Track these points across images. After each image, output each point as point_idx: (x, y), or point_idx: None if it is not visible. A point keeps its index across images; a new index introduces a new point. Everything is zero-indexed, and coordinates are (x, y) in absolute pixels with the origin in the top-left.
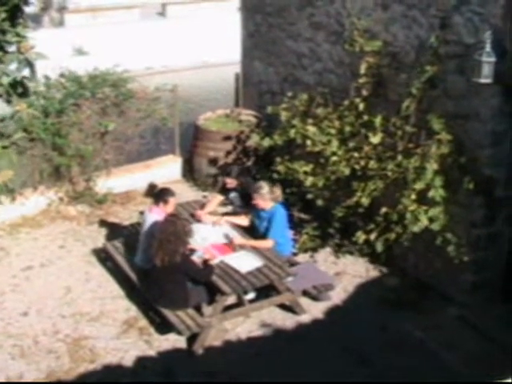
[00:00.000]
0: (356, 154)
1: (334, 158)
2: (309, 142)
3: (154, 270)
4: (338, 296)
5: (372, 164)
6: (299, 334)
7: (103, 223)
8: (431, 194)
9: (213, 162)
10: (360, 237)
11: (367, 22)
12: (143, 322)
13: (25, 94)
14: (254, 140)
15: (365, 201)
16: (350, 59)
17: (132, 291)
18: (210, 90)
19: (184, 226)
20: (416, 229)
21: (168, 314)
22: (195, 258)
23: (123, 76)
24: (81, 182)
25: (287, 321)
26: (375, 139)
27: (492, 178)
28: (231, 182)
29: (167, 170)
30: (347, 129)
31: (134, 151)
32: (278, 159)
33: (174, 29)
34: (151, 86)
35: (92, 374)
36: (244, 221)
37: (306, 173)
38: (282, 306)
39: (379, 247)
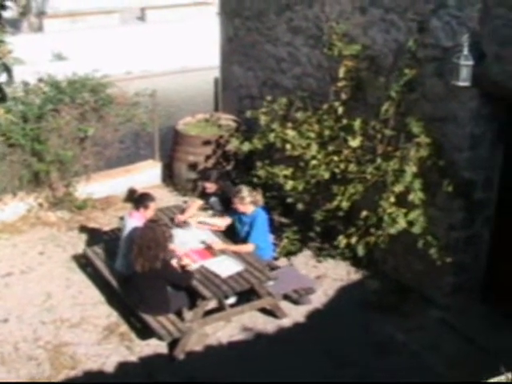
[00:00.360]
0: (335, 158)
1: (314, 162)
2: (288, 146)
3: (134, 276)
4: (318, 299)
5: (351, 167)
6: (280, 338)
7: (83, 229)
8: (410, 196)
9: (192, 166)
10: (341, 241)
11: (346, 25)
12: (124, 327)
13: (3, 99)
14: (233, 144)
15: (345, 204)
16: (329, 63)
17: (113, 297)
18: (190, 95)
19: (163, 231)
20: (393, 231)
21: (149, 319)
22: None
23: (102, 81)
24: (60, 187)
25: (268, 325)
26: (354, 143)
27: (471, 181)
28: (211, 187)
29: (147, 175)
30: (326, 132)
31: (114, 156)
32: (258, 163)
33: (154, 33)
34: (131, 90)
35: (73, 380)
36: (223, 221)
37: (285, 177)
38: (263, 310)
39: (360, 251)
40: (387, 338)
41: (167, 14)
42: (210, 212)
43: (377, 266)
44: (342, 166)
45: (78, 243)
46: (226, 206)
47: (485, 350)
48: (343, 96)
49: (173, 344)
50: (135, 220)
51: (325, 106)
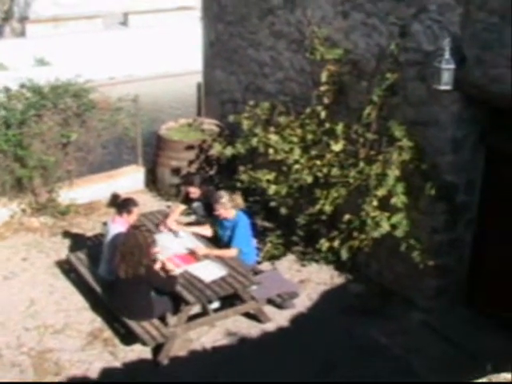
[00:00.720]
0: (318, 162)
1: (297, 166)
2: (271, 151)
3: (117, 282)
4: (302, 304)
5: (334, 171)
6: (264, 343)
7: (66, 234)
8: (393, 200)
9: (175, 171)
10: (323, 244)
11: (328, 30)
12: (108, 333)
13: None
14: (216, 149)
15: (328, 208)
16: (312, 67)
17: (96, 303)
18: (173, 100)
19: (146, 237)
20: (376, 234)
21: (133, 324)
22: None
23: (85, 86)
24: (43, 193)
25: (252, 329)
26: (337, 147)
27: (453, 184)
28: (195, 192)
29: (130, 180)
30: (309, 137)
31: (97, 162)
32: (241, 168)
33: (137, 38)
34: (114, 95)
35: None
36: (207, 231)
37: (268, 181)
38: (247, 315)
39: (344, 255)
40: (371, 342)
41: (150, 18)
42: (193, 217)
43: (360, 269)
44: (325, 170)
45: (62, 249)
46: (210, 211)
47: (468, 352)
48: (326, 100)
49: (157, 349)
50: (118, 225)
51: (307, 111)
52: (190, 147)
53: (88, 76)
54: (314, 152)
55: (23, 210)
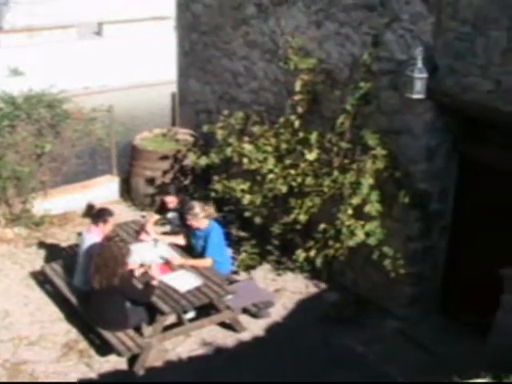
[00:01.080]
0: (292, 171)
1: (271, 176)
2: (245, 160)
3: (92, 292)
4: (277, 313)
5: (309, 180)
6: (240, 352)
7: (41, 245)
8: (367, 208)
9: (150, 181)
10: (300, 255)
11: (301, 40)
12: (83, 344)
13: None
14: (190, 159)
15: (303, 218)
16: (285, 77)
17: (71, 313)
18: (148, 110)
19: (121, 247)
20: (352, 243)
21: (108, 335)
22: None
23: (59, 97)
24: (17, 204)
25: (228, 339)
26: (311, 156)
27: (427, 192)
28: (172, 201)
29: (105, 190)
30: (283, 146)
31: (71, 172)
32: (216, 178)
33: (111, 48)
34: (88, 106)
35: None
36: (181, 240)
37: (243, 191)
38: (223, 324)
39: (319, 263)
40: (346, 350)
41: (124, 28)
42: (168, 227)
43: (335, 278)
44: (299, 179)
45: (36, 260)
46: (184, 220)
47: (443, 359)
48: (299, 109)
49: (132, 360)
50: (94, 235)
51: (281, 120)
52: (164, 157)
53: (62, 86)
54: (288, 161)
55: None
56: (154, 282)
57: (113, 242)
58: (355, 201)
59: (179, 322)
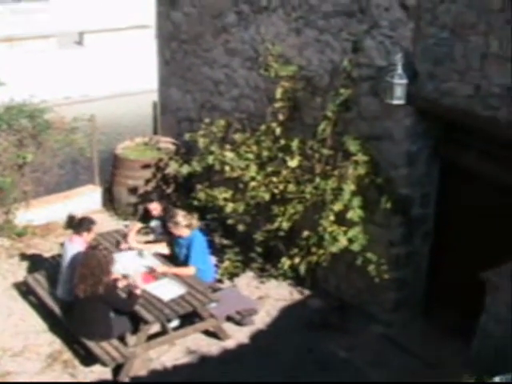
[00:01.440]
0: (274, 179)
1: (253, 183)
2: (227, 168)
3: (76, 302)
4: (261, 320)
5: (291, 187)
6: (225, 360)
7: (24, 256)
8: (349, 214)
9: (132, 190)
10: (285, 263)
11: (281, 47)
12: (68, 354)
13: None
14: (172, 167)
15: (285, 225)
16: (266, 84)
17: (55, 324)
18: (129, 119)
19: (105, 256)
20: (334, 249)
21: (92, 345)
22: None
23: (40, 107)
24: None
25: (212, 347)
26: (293, 163)
27: (408, 198)
28: (156, 208)
29: (87, 200)
30: (265, 153)
31: (53, 182)
32: (198, 186)
33: (92, 57)
34: (70, 115)
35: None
36: (164, 249)
37: (225, 199)
38: (207, 333)
39: (302, 270)
40: (331, 356)
41: (105, 38)
42: (151, 236)
43: (319, 284)
44: (282, 186)
45: (19, 271)
46: (167, 229)
47: (427, 363)
48: (280, 117)
49: (117, 370)
50: (77, 245)
51: (262, 127)
52: (146, 166)
53: (43, 96)
54: (270, 168)
55: None
56: (138, 291)
57: (98, 251)
58: (337, 207)
59: (163, 331)
